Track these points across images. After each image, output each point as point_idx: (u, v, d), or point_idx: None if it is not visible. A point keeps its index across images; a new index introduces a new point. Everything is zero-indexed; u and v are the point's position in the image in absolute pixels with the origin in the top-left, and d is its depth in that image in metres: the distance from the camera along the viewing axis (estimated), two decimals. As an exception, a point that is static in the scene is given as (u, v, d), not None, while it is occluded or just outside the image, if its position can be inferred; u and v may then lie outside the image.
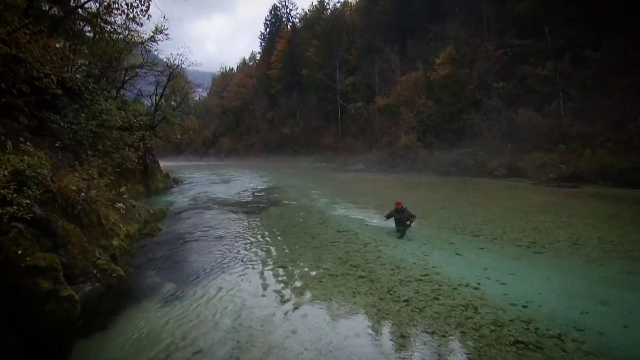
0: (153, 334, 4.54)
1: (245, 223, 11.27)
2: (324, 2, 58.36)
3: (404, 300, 5.41)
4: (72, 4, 11.24)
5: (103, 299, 5.23)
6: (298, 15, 63.13)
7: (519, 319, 4.71)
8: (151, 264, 7.28)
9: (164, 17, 16.85)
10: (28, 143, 6.20)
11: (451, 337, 4.32)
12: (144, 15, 14.95)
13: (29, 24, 6.95)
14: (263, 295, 5.76)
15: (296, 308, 5.24)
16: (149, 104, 22.74)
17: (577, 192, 16.56)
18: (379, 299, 5.52)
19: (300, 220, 11.59)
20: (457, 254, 7.65)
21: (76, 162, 8.06)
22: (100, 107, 9.84)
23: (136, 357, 4.06)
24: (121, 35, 15.55)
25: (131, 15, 13.01)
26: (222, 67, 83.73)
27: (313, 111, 50.64)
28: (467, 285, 5.97)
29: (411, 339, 4.31)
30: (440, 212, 12.55)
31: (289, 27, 62.57)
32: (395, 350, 4.09)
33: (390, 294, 5.67)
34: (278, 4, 66.90)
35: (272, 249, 8.41)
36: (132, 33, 16.06)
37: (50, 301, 4.18)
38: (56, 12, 10.43)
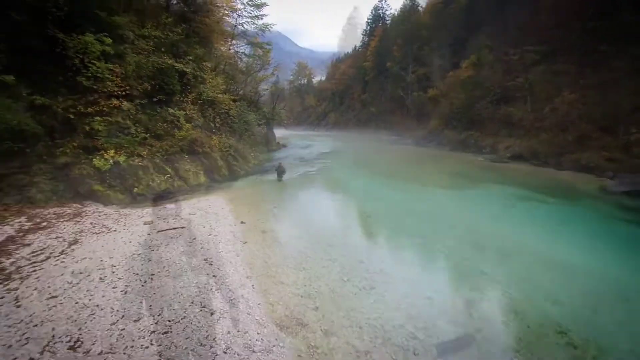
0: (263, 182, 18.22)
1: (300, 167, 24.35)
2: (414, 2, 63.72)
3: (330, 187, 17.71)
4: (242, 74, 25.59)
5: (246, 173, 19.13)
6: (391, 15, 69.69)
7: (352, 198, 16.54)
8: (259, 171, 21.05)
9: (277, 64, 30.29)
10: (229, 135, 20.40)
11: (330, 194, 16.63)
12: (269, 65, 28.74)
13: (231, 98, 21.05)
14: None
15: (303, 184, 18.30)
16: (272, 102, 37.44)
17: (494, 164, 24.23)
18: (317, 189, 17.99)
19: (324, 167, 24.05)
20: (368, 180, 19.10)
21: (240, 139, 22.29)
22: (247, 117, 23.93)
23: (256, 182, 17.75)
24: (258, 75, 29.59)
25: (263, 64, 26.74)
26: (332, 59, 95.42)
27: (389, 96, 59.24)
28: (354, 188, 17.78)
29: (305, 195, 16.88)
30: (391, 166, 23.14)
31: (380, 26, 69.79)
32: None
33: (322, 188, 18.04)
34: (378, 4, 74.09)
35: (304, 178, 21.29)
36: (263, 74, 30.03)
37: (242, 168, 18.09)
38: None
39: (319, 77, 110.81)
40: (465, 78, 35.75)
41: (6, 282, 5.62)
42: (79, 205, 10.65)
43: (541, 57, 28.92)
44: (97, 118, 12.63)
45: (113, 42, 12.51)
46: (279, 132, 42.44)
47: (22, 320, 4.64)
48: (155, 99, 15.15)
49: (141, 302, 5.40)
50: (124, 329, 4.70)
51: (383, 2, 73.33)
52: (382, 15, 72.66)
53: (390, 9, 73.17)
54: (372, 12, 75.57)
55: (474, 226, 10.50)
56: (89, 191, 11.69)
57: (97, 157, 12.04)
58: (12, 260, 6.41)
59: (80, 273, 6.22)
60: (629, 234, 9.96)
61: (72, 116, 12.04)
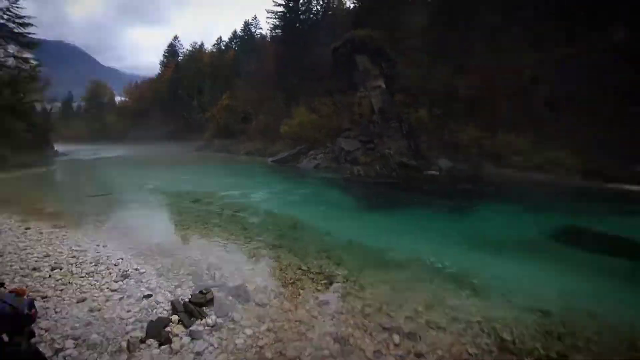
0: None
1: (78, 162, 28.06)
2: (202, 45, 73.64)
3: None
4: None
5: None
6: (184, 52, 77.28)
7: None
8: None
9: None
10: None
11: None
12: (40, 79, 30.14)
13: None
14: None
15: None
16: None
17: (229, 156, 36.46)
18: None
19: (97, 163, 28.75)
20: (127, 167, 25.68)
21: None
22: (12, 125, 25.70)
23: None
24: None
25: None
26: (132, 81, 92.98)
27: (181, 116, 66.21)
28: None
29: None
30: (158, 161, 30.70)
31: (178, 59, 75.83)
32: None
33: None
34: (173, 42, 79.96)
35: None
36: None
37: None
38: None
39: (123, 97, 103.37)
40: (225, 106, 48.07)
41: None
42: None
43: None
44: None
45: None
46: (70, 147, 42.26)
47: None
48: None
49: None
50: None
51: (177, 41, 79.70)
52: (176, 51, 78.76)
53: (183, 47, 79.72)
54: (168, 47, 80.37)
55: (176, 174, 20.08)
56: None
57: None
58: None
59: None
60: (266, 173, 22.10)
61: None
